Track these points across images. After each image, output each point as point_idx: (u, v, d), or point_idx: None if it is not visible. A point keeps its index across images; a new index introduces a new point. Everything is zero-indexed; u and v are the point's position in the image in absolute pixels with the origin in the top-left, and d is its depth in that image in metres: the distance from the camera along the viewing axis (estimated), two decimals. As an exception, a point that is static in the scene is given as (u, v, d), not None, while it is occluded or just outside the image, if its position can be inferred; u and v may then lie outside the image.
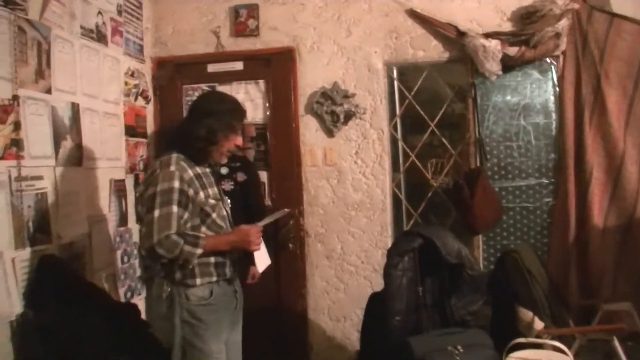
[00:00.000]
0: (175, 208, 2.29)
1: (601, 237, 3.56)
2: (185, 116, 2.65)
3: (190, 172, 2.40)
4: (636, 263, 3.51)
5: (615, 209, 3.57)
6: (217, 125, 2.43)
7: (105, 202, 3.30)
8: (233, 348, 2.63)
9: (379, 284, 3.13)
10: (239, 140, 2.55)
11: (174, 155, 2.40)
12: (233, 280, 2.58)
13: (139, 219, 2.53)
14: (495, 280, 3.34)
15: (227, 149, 2.53)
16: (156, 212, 2.28)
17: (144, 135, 3.80)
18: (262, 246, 2.64)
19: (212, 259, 2.42)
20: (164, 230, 2.26)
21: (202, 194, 2.40)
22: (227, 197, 2.70)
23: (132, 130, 3.64)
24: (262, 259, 2.76)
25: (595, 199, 3.56)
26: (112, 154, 3.39)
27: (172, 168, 2.34)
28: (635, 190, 3.51)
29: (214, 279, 2.44)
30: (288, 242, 3.82)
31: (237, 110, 2.54)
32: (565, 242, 3.61)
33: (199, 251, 2.32)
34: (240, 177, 3.58)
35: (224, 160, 3.01)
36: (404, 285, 2.85)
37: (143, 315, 3.13)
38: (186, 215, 2.35)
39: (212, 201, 2.44)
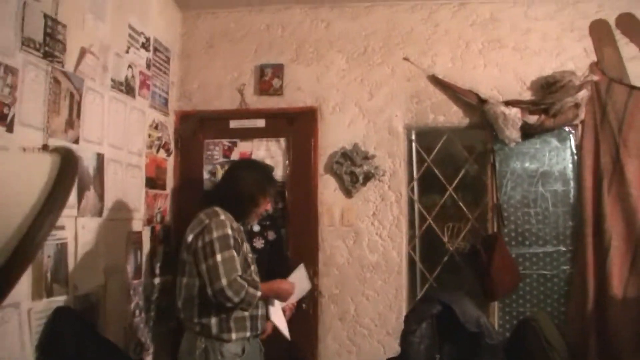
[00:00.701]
0: (234, 252, 2.43)
1: (621, 307, 3.50)
2: (226, 175, 2.78)
3: (235, 224, 2.54)
4: (657, 336, 3.45)
5: (635, 279, 3.54)
6: (259, 190, 2.63)
7: (122, 253, 3.28)
8: None
9: (392, 348, 3.08)
10: (269, 206, 2.73)
11: (218, 208, 2.52)
12: (259, 336, 2.62)
13: (188, 272, 2.53)
14: (513, 349, 3.28)
15: (262, 211, 2.71)
16: (218, 257, 2.38)
17: (163, 187, 3.81)
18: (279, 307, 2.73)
19: (247, 313, 2.48)
20: (231, 273, 2.39)
21: (245, 245, 2.55)
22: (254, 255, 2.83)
23: (152, 182, 3.66)
24: (279, 317, 2.78)
25: (615, 269, 3.53)
26: (131, 205, 3.39)
27: (223, 217, 2.47)
28: (656, 262, 3.48)
29: (248, 334, 2.49)
30: (301, 302, 3.75)
31: (273, 179, 2.80)
32: (584, 310, 3.56)
33: (259, 294, 2.46)
34: (271, 235, 3.64)
35: (255, 222, 3.05)
36: (421, 352, 2.81)
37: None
38: (240, 260, 2.47)
39: (251, 255, 2.59)
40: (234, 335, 2.44)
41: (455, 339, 2.92)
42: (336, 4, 3.94)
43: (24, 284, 2.39)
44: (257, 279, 2.57)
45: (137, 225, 3.47)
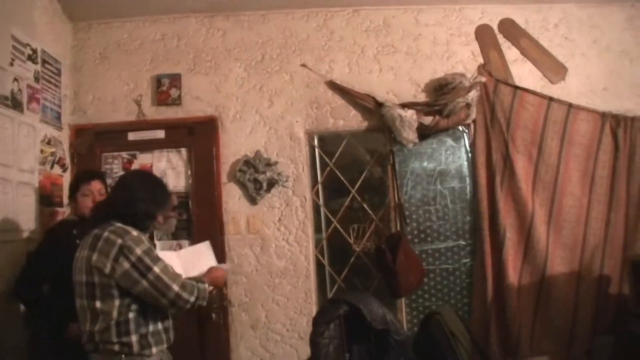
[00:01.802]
0: (164, 261, 2.40)
1: (517, 295, 3.71)
2: (119, 189, 2.63)
3: None
4: (550, 317, 3.68)
5: (528, 267, 3.76)
6: (154, 205, 2.54)
7: (19, 274, 3.11)
8: None
9: (305, 352, 3.10)
10: (160, 221, 2.64)
11: (120, 224, 2.41)
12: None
13: (101, 296, 2.36)
14: (420, 344, 3.39)
15: (157, 223, 2.62)
16: (156, 269, 2.33)
17: (60, 204, 3.66)
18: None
19: (160, 326, 2.44)
20: (176, 278, 2.37)
21: None
22: None
23: (48, 200, 3.51)
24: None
25: (510, 259, 3.73)
26: (25, 225, 3.23)
27: (135, 233, 2.38)
28: (545, 249, 3.72)
29: (165, 345, 2.45)
30: (211, 313, 3.71)
31: (170, 194, 2.71)
32: (485, 300, 3.74)
33: (207, 286, 2.50)
34: None
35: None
36: (330, 353, 2.84)
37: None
38: None
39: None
40: (154, 350, 2.39)
41: (363, 337, 2.98)
42: (231, 13, 3.94)
43: None
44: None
45: (33, 245, 3.30)
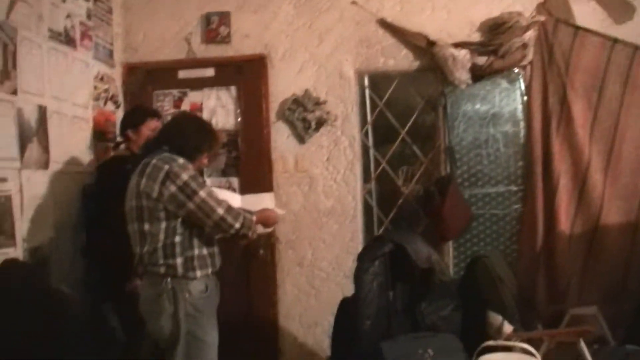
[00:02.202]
0: (209, 187, 2.54)
1: (568, 243, 3.61)
2: (171, 125, 2.76)
3: None
4: (602, 268, 3.58)
5: (581, 215, 3.64)
6: (203, 142, 2.65)
7: (74, 207, 3.24)
8: None
9: (349, 291, 3.13)
10: (205, 162, 2.75)
11: (168, 154, 2.51)
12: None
13: (149, 218, 2.48)
14: (466, 286, 3.37)
15: (201, 165, 2.72)
16: (202, 194, 2.43)
17: (113, 140, 3.74)
18: None
19: (206, 251, 2.54)
20: (221, 203, 2.46)
21: None
22: None
23: (102, 135, 3.60)
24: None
25: (562, 206, 3.62)
26: (80, 158, 3.34)
27: (181, 160, 2.48)
28: (600, 197, 3.59)
29: (210, 270, 2.55)
30: (259, 249, 3.79)
31: (213, 131, 2.79)
32: (534, 248, 3.66)
33: (254, 218, 2.57)
34: None
35: None
36: (374, 290, 2.87)
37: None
38: None
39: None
40: (198, 273, 2.49)
41: (408, 276, 2.99)
42: (281, -51, 3.86)
43: (-34, 235, 2.36)
44: None
45: (88, 178, 3.42)
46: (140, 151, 2.74)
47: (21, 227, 2.73)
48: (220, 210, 2.45)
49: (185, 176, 2.42)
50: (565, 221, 3.64)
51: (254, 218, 2.59)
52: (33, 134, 2.87)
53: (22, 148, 2.77)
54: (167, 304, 2.44)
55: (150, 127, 3.14)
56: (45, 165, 2.96)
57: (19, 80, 2.77)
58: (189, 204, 2.42)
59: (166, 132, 2.68)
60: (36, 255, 2.84)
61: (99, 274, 3.25)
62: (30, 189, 2.81)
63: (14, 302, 2.41)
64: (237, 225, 2.49)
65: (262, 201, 3.00)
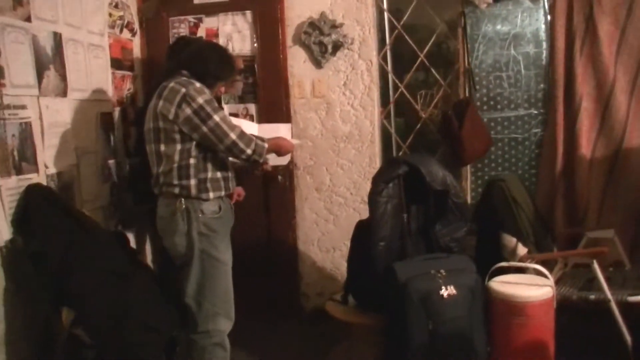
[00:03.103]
0: (224, 112, 2.58)
1: (588, 167, 3.57)
2: (191, 51, 2.77)
3: None
4: (622, 192, 3.54)
5: (603, 139, 3.57)
6: (222, 72, 2.71)
7: (93, 134, 3.30)
8: None
9: (367, 215, 3.16)
10: (222, 90, 2.86)
11: (187, 78, 2.58)
12: (230, 196, 2.81)
13: (165, 139, 2.56)
14: (482, 209, 3.40)
15: (219, 89, 2.78)
16: (216, 117, 2.49)
17: (131, 68, 3.76)
18: None
19: (219, 174, 2.63)
20: (234, 127, 2.53)
21: None
22: None
23: (119, 63, 3.61)
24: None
25: (584, 129, 3.56)
26: (98, 86, 3.36)
27: (198, 85, 2.53)
28: (624, 120, 3.50)
29: (222, 193, 2.65)
30: (277, 174, 3.84)
31: (235, 64, 2.88)
32: (553, 172, 3.63)
33: (267, 145, 2.62)
34: None
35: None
36: (388, 212, 2.89)
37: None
38: None
39: None
40: (211, 195, 2.58)
41: (422, 198, 3.00)
42: None
43: (-11, 162, 2.43)
44: None
45: (107, 106, 3.46)
46: (161, 75, 2.76)
47: (42, 153, 2.79)
48: (233, 135, 2.51)
49: (200, 100, 2.47)
50: (586, 145, 3.58)
51: (266, 145, 2.63)
52: (49, 61, 2.89)
53: (40, 76, 2.80)
54: (180, 223, 2.56)
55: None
56: (63, 92, 2.99)
57: (32, 6, 2.77)
58: (203, 127, 2.48)
59: (187, 58, 2.72)
60: (59, 181, 2.92)
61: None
62: (50, 116, 2.86)
63: (38, 226, 2.51)
64: (249, 151, 2.55)
65: (279, 131, 3.06)
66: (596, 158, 3.59)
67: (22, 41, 2.68)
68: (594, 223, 3.56)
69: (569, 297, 2.85)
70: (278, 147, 2.79)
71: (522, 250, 3.10)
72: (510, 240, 3.13)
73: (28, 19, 2.73)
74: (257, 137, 2.63)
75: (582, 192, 3.57)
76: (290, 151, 3.00)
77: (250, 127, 2.99)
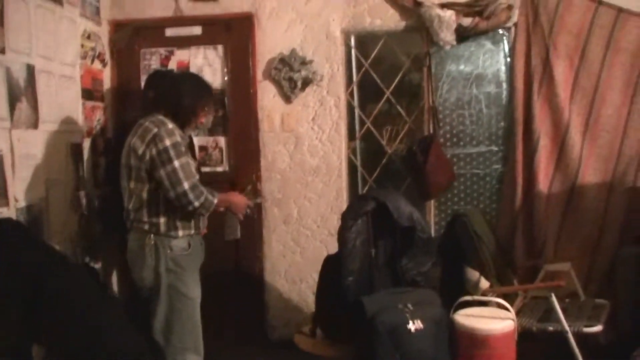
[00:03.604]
0: (189, 158, 2.58)
1: (546, 202, 3.72)
2: (166, 85, 2.83)
3: (180, 132, 2.65)
4: (577, 226, 3.71)
5: (559, 175, 3.74)
6: (198, 101, 2.73)
7: (63, 165, 3.29)
8: None
9: (334, 248, 3.23)
10: (204, 119, 2.83)
11: (162, 117, 2.63)
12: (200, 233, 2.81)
13: (135, 177, 2.62)
14: (445, 243, 3.51)
15: (199, 123, 2.81)
16: (176, 163, 2.52)
17: (101, 98, 3.77)
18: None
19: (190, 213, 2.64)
20: (190, 178, 2.54)
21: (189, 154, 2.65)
22: None
23: (89, 94, 3.62)
24: (232, 229, 2.99)
25: (542, 166, 3.72)
26: (68, 117, 3.36)
27: (170, 126, 2.58)
28: (578, 158, 3.68)
29: (192, 231, 2.69)
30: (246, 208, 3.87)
31: (211, 92, 2.91)
32: (513, 206, 3.77)
33: (216, 201, 2.62)
34: None
35: (192, 132, 3.06)
36: (357, 247, 2.97)
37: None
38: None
39: (193, 163, 2.68)
40: (180, 232, 2.63)
41: (389, 234, 3.09)
42: None
43: (-40, 196, 2.41)
44: None
45: (77, 137, 3.46)
46: (138, 110, 2.82)
47: (12, 186, 2.78)
48: (186, 185, 2.53)
49: (167, 142, 2.52)
50: (544, 181, 3.74)
51: (215, 200, 2.64)
52: (22, 93, 2.89)
53: (12, 107, 2.79)
54: (149, 257, 2.61)
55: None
56: (34, 124, 2.99)
57: (7, 39, 2.77)
58: (161, 169, 2.53)
59: (162, 94, 2.78)
60: (28, 213, 2.90)
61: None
62: (21, 148, 2.85)
63: (8, 261, 2.49)
64: (197, 204, 2.56)
65: None
66: (553, 193, 3.76)
67: (-5, 74, 2.69)
68: (551, 255, 3.70)
69: (529, 329, 2.98)
70: (228, 203, 2.82)
71: (484, 283, 3.22)
72: (473, 273, 3.24)
73: (2, 50, 2.74)
74: (208, 190, 2.65)
75: (540, 226, 3.72)
76: (242, 208, 2.91)
77: None
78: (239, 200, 2.88)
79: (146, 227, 2.61)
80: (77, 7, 3.49)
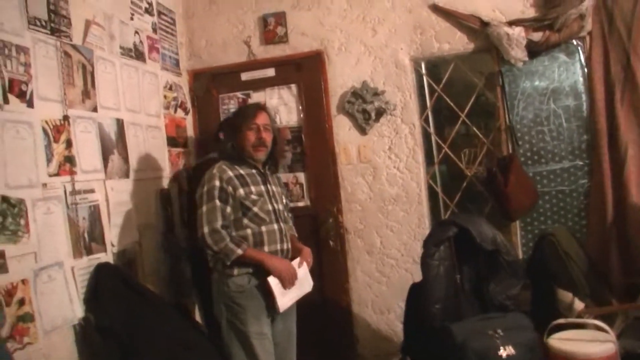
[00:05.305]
0: (218, 202, 2.68)
1: (640, 215, 3.54)
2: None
3: (230, 173, 2.75)
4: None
5: (654, 185, 3.56)
6: (231, 125, 2.91)
7: (153, 210, 3.48)
8: (285, 335, 2.91)
9: (419, 275, 3.19)
10: (250, 135, 2.81)
11: (220, 162, 2.82)
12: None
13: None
14: (534, 264, 3.40)
15: (249, 142, 2.80)
16: (204, 208, 2.68)
17: (185, 144, 3.98)
18: (291, 292, 2.82)
19: (266, 248, 2.77)
20: (212, 223, 2.65)
21: (241, 191, 2.74)
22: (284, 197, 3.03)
23: (174, 141, 3.83)
24: (284, 298, 2.76)
25: (632, 177, 3.54)
26: (156, 164, 3.57)
27: (214, 171, 2.74)
28: (672, 165, 3.49)
29: (251, 270, 2.73)
30: (329, 240, 3.94)
31: (241, 110, 3.05)
32: (604, 222, 3.59)
33: (239, 252, 2.64)
34: None
35: (260, 156, 2.88)
36: (441, 274, 2.95)
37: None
38: (228, 209, 2.70)
39: (254, 197, 2.76)
40: (235, 271, 2.71)
41: (474, 258, 3.05)
42: (329, -55, 3.95)
43: (64, 245, 2.62)
44: (267, 218, 2.78)
45: (164, 182, 3.66)
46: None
47: (109, 232, 2.98)
48: (206, 229, 2.66)
49: (205, 187, 2.72)
50: (636, 192, 3.55)
51: (240, 251, 2.63)
52: (114, 145, 3.11)
53: (105, 160, 3.02)
54: (215, 294, 2.79)
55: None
56: (126, 174, 3.20)
57: (98, 97, 3.01)
58: (198, 210, 2.72)
59: (214, 134, 3.22)
60: (123, 257, 3.08)
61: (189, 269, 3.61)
62: (114, 197, 3.06)
63: (110, 303, 2.66)
64: (215, 249, 2.66)
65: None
66: (648, 206, 3.57)
67: (89, 130, 2.91)
68: (652, 271, 3.50)
69: (633, 352, 2.81)
70: (261, 262, 2.68)
71: (579, 304, 3.08)
72: (565, 295, 3.12)
73: (95, 109, 2.97)
74: (236, 240, 2.67)
75: (637, 240, 3.52)
76: (285, 275, 2.71)
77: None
78: (281, 265, 2.72)
79: (211, 264, 2.77)
80: (159, 62, 3.73)
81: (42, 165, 2.54)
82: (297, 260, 2.89)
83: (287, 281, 2.73)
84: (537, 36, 3.60)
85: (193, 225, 2.94)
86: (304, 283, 2.94)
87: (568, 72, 3.75)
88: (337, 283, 3.97)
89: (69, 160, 2.71)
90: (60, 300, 2.56)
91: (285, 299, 2.76)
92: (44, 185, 2.54)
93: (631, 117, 3.57)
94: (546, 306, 3.15)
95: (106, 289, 2.72)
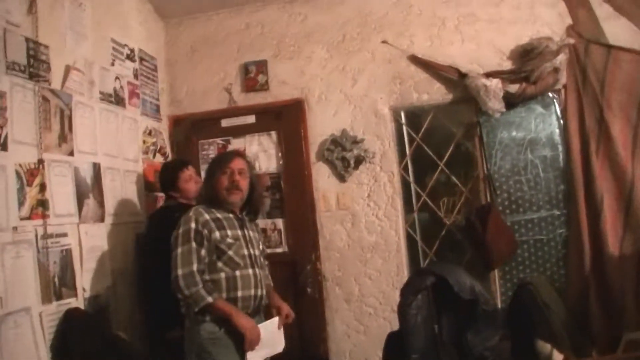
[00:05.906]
0: (194, 244, 2.62)
1: (618, 264, 3.54)
2: None
3: (207, 216, 2.69)
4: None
5: (630, 235, 3.57)
6: (212, 166, 2.88)
7: (129, 255, 3.43)
8: None
9: (398, 324, 3.16)
10: (223, 179, 2.77)
11: (197, 206, 2.78)
12: (253, 317, 2.71)
13: None
14: (513, 314, 3.37)
15: (223, 186, 2.77)
16: (179, 250, 2.61)
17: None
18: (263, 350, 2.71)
19: (224, 295, 2.62)
20: (186, 265, 2.58)
21: (217, 234, 2.67)
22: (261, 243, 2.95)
23: (152, 186, 3.80)
24: (255, 353, 2.65)
25: (609, 227, 3.57)
26: (133, 209, 3.54)
27: (190, 214, 2.69)
28: (650, 215, 3.52)
29: (249, 310, 2.67)
30: (306, 287, 3.89)
31: (218, 155, 3.19)
32: (582, 271, 3.60)
33: (209, 300, 2.55)
34: None
35: (233, 199, 2.80)
36: (419, 323, 2.91)
37: None
38: (203, 252, 2.63)
39: (229, 240, 2.69)
40: (207, 317, 2.61)
41: (452, 308, 3.02)
42: (310, -3, 4.05)
43: (32, 290, 2.56)
44: (242, 262, 2.68)
45: (141, 227, 3.61)
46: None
47: (81, 277, 2.92)
48: (179, 272, 2.57)
49: (181, 229, 2.66)
50: (613, 241, 3.58)
51: (210, 300, 2.54)
52: (89, 190, 3.08)
53: (80, 204, 2.98)
54: (187, 341, 2.66)
55: (185, 178, 3.38)
56: (101, 218, 3.16)
57: (75, 142, 2.99)
58: (173, 252, 2.64)
59: None
60: (95, 303, 3.01)
61: (153, 319, 3.41)
62: (88, 241, 3.01)
63: (79, 350, 2.58)
64: (186, 293, 2.54)
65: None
66: (625, 255, 3.58)
67: (65, 174, 2.89)
68: (633, 321, 3.47)
69: (612, 404, 2.77)
70: (230, 317, 2.57)
71: (558, 356, 3.05)
72: (544, 346, 3.09)
73: (71, 153, 2.95)
74: (208, 287, 2.58)
75: (616, 290, 3.52)
76: (249, 335, 2.58)
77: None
78: (247, 324, 2.59)
79: (183, 309, 2.66)
80: (139, 108, 3.74)
81: (14, 208, 2.51)
82: (276, 319, 2.81)
83: (249, 342, 2.60)
84: (514, 88, 3.68)
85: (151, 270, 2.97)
86: (277, 342, 2.84)
87: (545, 123, 3.81)
88: (315, 332, 3.90)
89: (42, 204, 2.67)
90: (25, 347, 2.48)
91: (255, 354, 2.65)
92: (14, 228, 2.50)
93: (606, 168, 3.63)
94: (525, 357, 3.11)
95: (75, 336, 2.65)
